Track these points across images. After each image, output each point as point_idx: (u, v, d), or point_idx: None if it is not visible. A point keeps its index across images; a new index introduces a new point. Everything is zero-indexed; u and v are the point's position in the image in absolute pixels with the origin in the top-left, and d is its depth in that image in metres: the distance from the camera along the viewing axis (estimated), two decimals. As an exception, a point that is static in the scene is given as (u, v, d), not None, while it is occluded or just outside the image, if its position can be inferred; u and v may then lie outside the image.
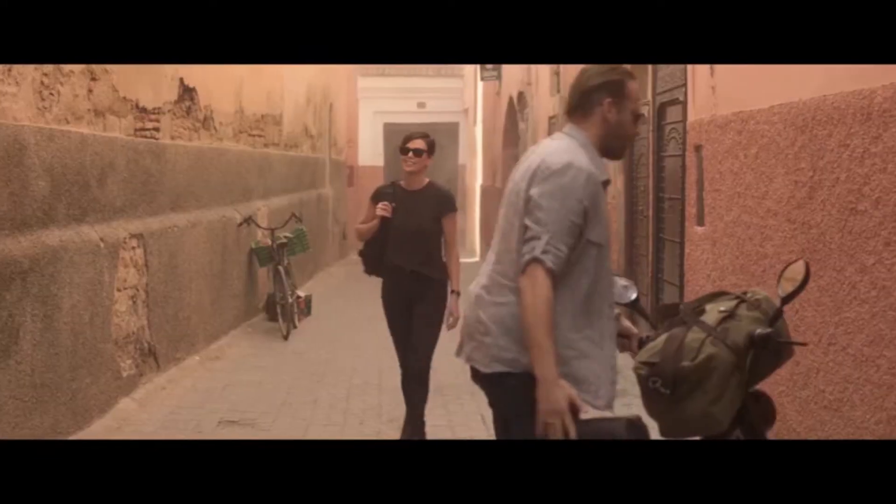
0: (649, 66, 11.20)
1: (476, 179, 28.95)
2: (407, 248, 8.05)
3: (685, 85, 9.69)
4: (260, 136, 15.88)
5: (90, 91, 8.97)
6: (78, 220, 8.53)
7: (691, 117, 9.42)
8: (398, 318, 8.19)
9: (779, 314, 4.47)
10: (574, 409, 4.05)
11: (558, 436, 4.02)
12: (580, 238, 4.19)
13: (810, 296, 6.45)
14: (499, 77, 24.14)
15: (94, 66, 8.98)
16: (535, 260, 4.09)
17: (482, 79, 25.19)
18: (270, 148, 16.66)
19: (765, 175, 7.52)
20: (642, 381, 4.49)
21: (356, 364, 12.00)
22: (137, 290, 9.90)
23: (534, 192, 4.15)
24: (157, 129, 10.75)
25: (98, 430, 8.58)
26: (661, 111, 10.85)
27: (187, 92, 11.86)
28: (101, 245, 8.92)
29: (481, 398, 10.41)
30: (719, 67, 8.59)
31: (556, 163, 4.19)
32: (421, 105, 30.89)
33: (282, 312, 14.03)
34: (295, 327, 14.12)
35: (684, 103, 9.75)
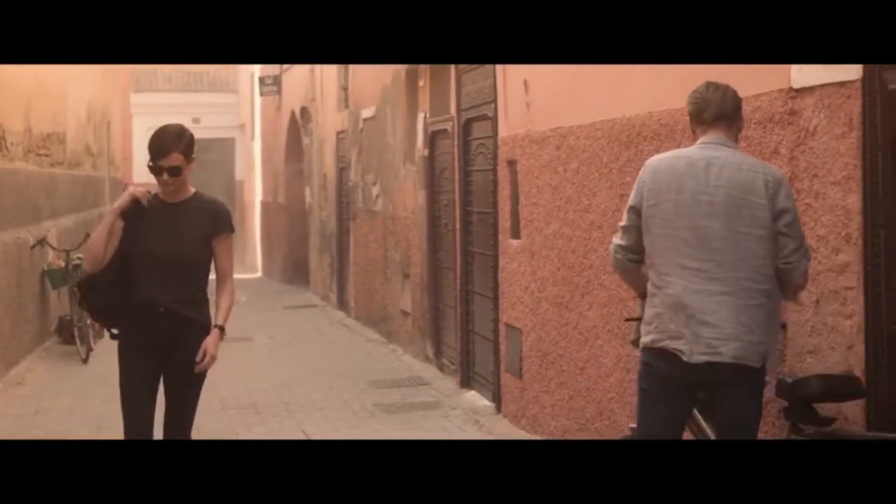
0: (452, 83, 11.42)
1: (255, 195, 28.84)
2: (163, 279, 6.00)
3: (494, 101, 9.93)
4: (46, 155, 15.53)
5: None
6: None
7: (503, 133, 9.66)
8: (143, 376, 6.12)
9: None
10: None
11: None
12: None
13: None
14: (279, 92, 24.14)
15: None
16: (809, 260, 4.94)
17: (261, 94, 25.11)
18: (56, 167, 16.31)
19: (587, 189, 7.79)
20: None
21: (163, 385, 11.88)
22: (-57, 316, 9.61)
23: (786, 205, 4.83)
24: (-45, 151, 10.46)
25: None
26: (466, 127, 11.08)
27: (-17, 112, 11.56)
28: (-89, 272, 8.64)
29: (297, 412, 10.64)
30: (533, 84, 8.85)
31: (780, 174, 4.94)
32: (196, 120, 30.56)
33: (79, 335, 13.77)
34: (91, 350, 13.86)
35: (494, 119, 9.99)
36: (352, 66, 17.07)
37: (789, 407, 4.99)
